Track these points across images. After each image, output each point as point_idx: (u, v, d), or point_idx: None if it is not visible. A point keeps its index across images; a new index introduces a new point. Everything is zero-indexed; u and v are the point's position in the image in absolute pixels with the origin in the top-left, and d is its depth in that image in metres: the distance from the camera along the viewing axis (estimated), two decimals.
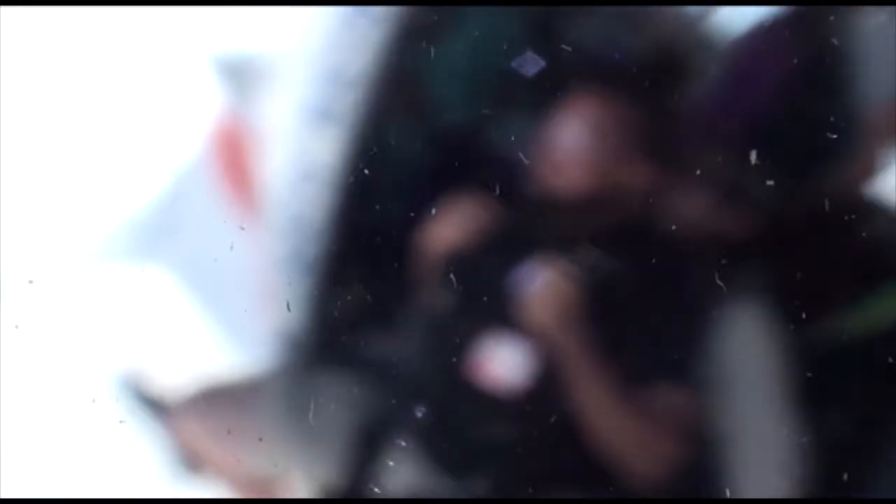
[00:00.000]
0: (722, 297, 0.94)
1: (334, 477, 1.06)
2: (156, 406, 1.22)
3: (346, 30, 1.02)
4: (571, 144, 1.04)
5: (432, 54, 1.44)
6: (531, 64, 1.13)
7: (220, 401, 1.14)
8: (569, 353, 0.94)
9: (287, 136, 1.09)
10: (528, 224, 1.04)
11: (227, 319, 1.56)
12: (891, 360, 0.87)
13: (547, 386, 0.96)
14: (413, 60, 1.38)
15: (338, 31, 1.02)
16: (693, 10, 1.87)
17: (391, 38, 1.03)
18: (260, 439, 1.06)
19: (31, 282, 1.54)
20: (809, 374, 0.91)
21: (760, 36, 1.29)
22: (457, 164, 1.48)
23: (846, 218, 1.22)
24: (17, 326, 1.18)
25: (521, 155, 1.44)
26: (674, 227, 0.98)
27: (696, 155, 1.02)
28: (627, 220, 1.01)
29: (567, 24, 1.37)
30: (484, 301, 0.99)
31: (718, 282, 0.95)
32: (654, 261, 0.95)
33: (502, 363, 0.97)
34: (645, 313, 0.94)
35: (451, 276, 1.01)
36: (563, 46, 1.35)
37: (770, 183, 1.33)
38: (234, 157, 1.54)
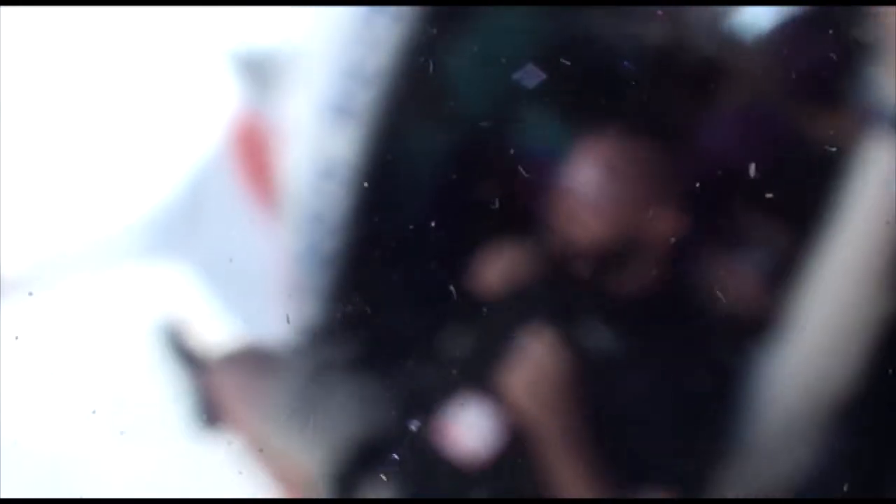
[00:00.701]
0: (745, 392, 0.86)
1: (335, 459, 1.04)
2: (191, 358, 1.23)
3: (365, 27, 1.02)
4: (588, 189, 0.95)
5: (450, 54, 1.44)
6: (532, 76, 1.10)
7: (253, 362, 1.14)
8: (544, 436, 0.86)
9: (306, 133, 1.09)
10: (537, 280, 0.97)
11: (245, 314, 1.56)
12: None
13: (514, 463, 0.88)
14: (432, 59, 1.38)
15: (356, 28, 1.02)
16: (707, 12, 1.85)
17: (410, 36, 1.02)
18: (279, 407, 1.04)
19: (30, 293, 1.55)
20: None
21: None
22: (472, 166, 1.48)
23: None
24: (16, 337, 1.18)
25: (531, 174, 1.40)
26: (702, 296, 0.90)
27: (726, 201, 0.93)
28: (647, 284, 0.92)
29: (582, 28, 1.35)
30: (468, 359, 0.92)
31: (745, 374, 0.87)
32: (671, 342, 0.87)
33: (470, 430, 0.90)
34: (648, 404, 0.85)
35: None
36: (564, 61, 1.31)
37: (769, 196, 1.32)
38: (253, 153, 1.54)
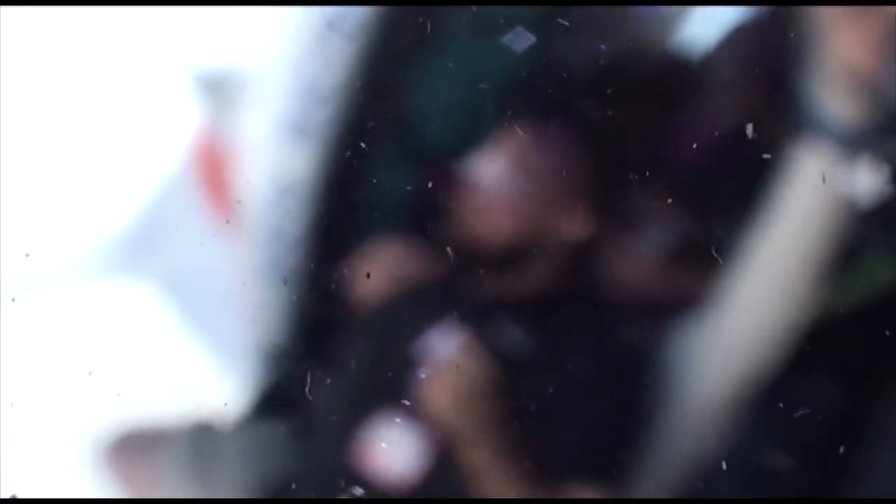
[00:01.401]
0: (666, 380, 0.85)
1: None
2: None
3: (322, 44, 1.02)
4: (495, 184, 0.92)
5: (411, 71, 1.45)
6: (522, 40, 1.08)
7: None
8: (468, 445, 0.81)
9: (264, 150, 1.10)
10: (442, 279, 0.92)
11: (207, 332, 1.56)
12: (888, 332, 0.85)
13: (442, 479, 0.84)
14: (391, 76, 1.39)
15: (313, 45, 1.03)
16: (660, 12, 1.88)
17: (367, 54, 1.03)
18: None
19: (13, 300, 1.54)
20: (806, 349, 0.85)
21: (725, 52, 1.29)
22: (433, 182, 1.48)
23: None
24: None
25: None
26: (614, 290, 0.87)
27: (647, 200, 0.89)
28: (558, 279, 0.88)
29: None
30: (379, 371, 0.88)
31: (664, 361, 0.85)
32: (586, 333, 0.84)
33: (391, 449, 0.85)
34: (571, 398, 0.82)
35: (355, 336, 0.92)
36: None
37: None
38: (212, 171, 1.55)
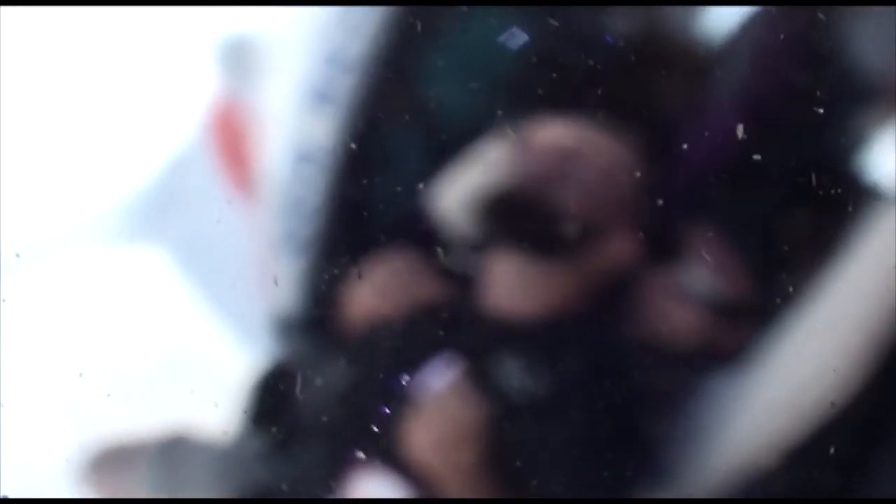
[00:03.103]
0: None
1: None
2: None
3: (345, 12, 1.02)
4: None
5: (431, 45, 1.44)
6: (516, 38, 1.06)
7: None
8: (449, 491, 0.76)
9: (284, 118, 1.09)
10: (449, 302, 0.84)
11: (222, 300, 1.56)
12: None
13: None
14: (411, 48, 1.38)
15: (336, 12, 1.02)
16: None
17: (390, 23, 1.02)
18: None
19: (18, 255, 1.53)
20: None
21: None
22: (450, 152, 1.47)
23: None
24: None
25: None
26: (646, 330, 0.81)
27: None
28: (584, 315, 0.82)
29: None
30: (361, 407, 0.81)
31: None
32: (600, 375, 0.78)
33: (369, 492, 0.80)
34: (574, 449, 0.77)
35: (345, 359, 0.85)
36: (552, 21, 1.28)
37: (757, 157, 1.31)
38: (230, 139, 1.54)
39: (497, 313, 0.81)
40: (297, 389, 1.07)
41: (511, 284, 0.83)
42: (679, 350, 0.84)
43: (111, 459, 1.09)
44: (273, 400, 1.12)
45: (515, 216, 0.81)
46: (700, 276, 0.84)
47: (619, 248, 0.81)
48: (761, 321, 0.83)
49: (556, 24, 1.29)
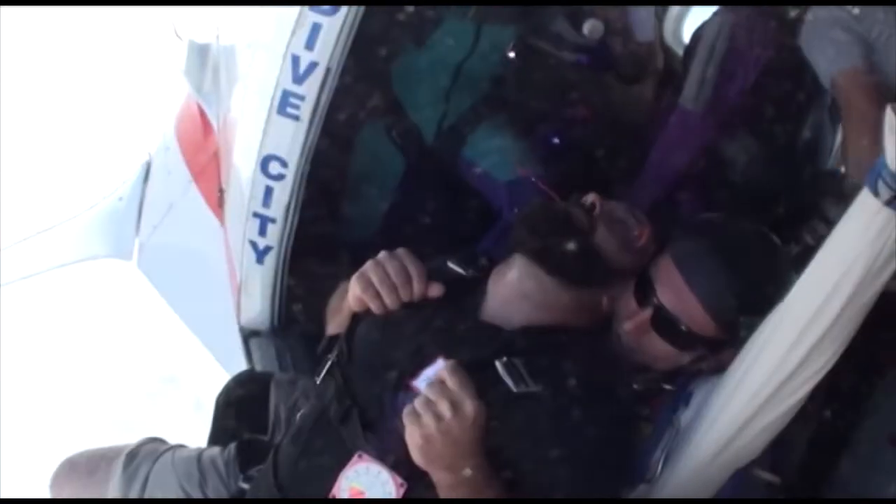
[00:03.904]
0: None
1: None
2: None
3: (312, 21, 1.01)
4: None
5: (400, 53, 1.44)
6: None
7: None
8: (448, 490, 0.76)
9: (252, 123, 1.08)
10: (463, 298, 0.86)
11: (192, 307, 1.55)
12: None
13: None
14: (380, 56, 1.38)
15: (305, 21, 1.01)
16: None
17: (361, 33, 1.01)
18: None
19: None
20: None
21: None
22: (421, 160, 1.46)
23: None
24: None
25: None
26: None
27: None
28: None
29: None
30: (362, 400, 0.81)
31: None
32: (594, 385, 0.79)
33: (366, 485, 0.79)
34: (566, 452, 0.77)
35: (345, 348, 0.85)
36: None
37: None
38: (198, 147, 1.53)
39: (494, 320, 0.83)
40: (274, 398, 1.05)
41: (515, 292, 0.86)
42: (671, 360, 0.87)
43: (82, 466, 1.08)
44: (247, 410, 1.11)
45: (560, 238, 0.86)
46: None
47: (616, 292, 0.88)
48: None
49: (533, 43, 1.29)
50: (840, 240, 0.77)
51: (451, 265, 0.91)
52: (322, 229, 1.21)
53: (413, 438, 0.75)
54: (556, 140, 1.46)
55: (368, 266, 0.87)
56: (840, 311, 0.77)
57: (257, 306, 1.18)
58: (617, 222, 0.87)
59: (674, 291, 0.84)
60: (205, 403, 1.10)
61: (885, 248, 0.73)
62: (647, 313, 0.84)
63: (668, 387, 0.87)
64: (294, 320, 1.14)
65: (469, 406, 0.74)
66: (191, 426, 1.12)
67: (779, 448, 0.85)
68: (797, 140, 1.39)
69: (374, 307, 0.86)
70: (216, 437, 1.06)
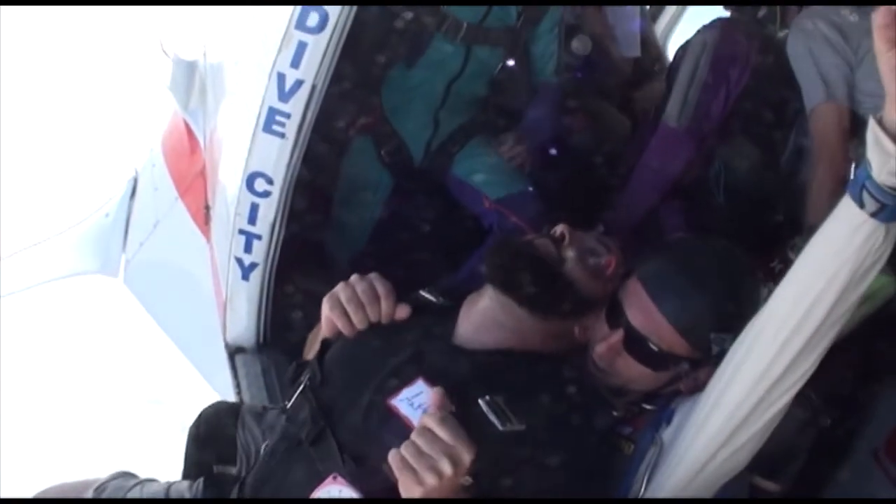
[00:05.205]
0: None
1: None
2: None
3: (300, 39, 1.01)
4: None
5: (390, 72, 1.44)
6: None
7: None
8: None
9: (238, 141, 1.09)
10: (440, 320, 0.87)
11: (177, 323, 1.54)
12: None
13: None
14: (371, 75, 1.39)
15: (291, 39, 1.02)
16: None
17: (351, 53, 1.02)
18: None
19: None
20: None
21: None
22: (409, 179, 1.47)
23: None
24: None
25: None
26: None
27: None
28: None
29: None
30: (345, 417, 0.81)
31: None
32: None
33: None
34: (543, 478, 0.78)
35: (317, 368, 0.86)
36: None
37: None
38: (184, 161, 1.53)
39: (468, 344, 0.83)
40: (241, 430, 1.05)
41: (488, 320, 0.85)
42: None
43: (52, 500, 1.07)
44: (216, 443, 1.10)
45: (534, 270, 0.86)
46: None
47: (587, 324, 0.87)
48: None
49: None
50: (822, 249, 0.77)
51: (423, 294, 0.91)
52: (309, 244, 1.22)
53: (411, 492, 0.73)
54: (553, 151, 1.48)
55: (338, 287, 0.87)
56: (823, 319, 0.77)
57: (243, 322, 1.18)
58: (586, 252, 0.87)
59: (642, 312, 0.84)
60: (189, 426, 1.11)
61: (869, 256, 0.74)
62: (619, 335, 0.84)
63: (649, 407, 0.87)
64: (281, 336, 1.14)
65: (467, 457, 0.73)
66: (175, 448, 1.11)
67: (778, 456, 0.86)
68: (780, 156, 1.40)
69: (342, 326, 0.86)
70: (188, 469, 1.06)
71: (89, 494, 1.01)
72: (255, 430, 0.98)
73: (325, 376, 0.85)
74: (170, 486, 1.01)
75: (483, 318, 0.86)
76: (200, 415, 1.06)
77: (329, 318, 0.87)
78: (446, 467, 0.74)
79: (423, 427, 0.74)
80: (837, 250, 0.75)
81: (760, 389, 0.80)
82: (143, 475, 1.04)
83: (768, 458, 0.85)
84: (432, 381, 0.79)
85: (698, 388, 0.84)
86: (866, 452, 1.12)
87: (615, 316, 0.85)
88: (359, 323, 0.85)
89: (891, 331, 0.93)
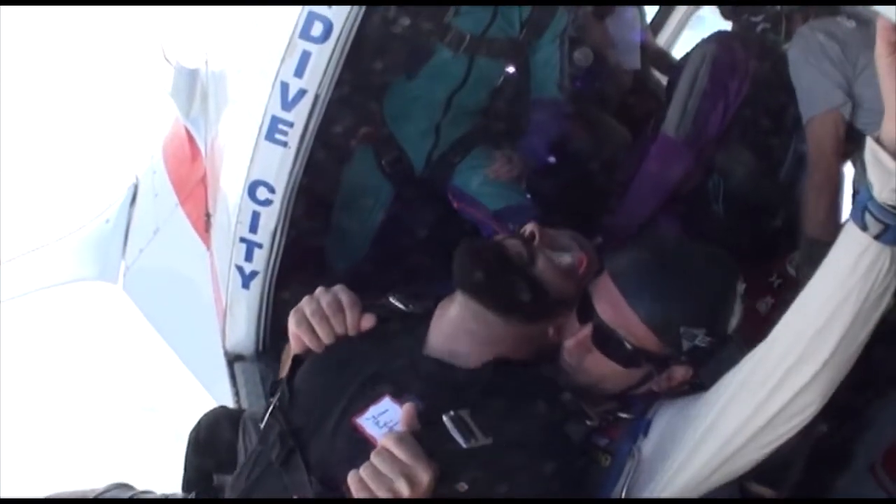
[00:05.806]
0: None
1: None
2: None
3: (304, 48, 1.01)
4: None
5: (392, 83, 1.45)
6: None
7: None
8: None
9: (240, 149, 1.09)
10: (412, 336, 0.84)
11: (177, 331, 1.54)
12: None
13: None
14: (372, 86, 1.39)
15: (294, 48, 1.02)
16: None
17: (351, 57, 1.02)
18: None
19: None
20: None
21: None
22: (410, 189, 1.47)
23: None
24: None
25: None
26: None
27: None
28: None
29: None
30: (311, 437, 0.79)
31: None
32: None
33: None
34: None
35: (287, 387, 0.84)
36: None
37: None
38: (185, 168, 1.53)
39: (439, 355, 0.82)
40: (242, 437, 1.04)
41: (459, 329, 0.83)
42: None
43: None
44: (216, 450, 1.09)
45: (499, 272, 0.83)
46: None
47: (560, 324, 0.84)
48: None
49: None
50: (828, 277, 0.74)
51: (392, 301, 0.89)
52: (309, 252, 1.22)
53: None
54: (552, 159, 1.49)
55: (303, 301, 0.85)
56: (832, 352, 0.74)
57: (242, 330, 1.18)
58: (557, 250, 0.85)
59: (611, 305, 0.82)
60: (185, 434, 1.10)
61: (877, 283, 0.72)
62: (588, 330, 0.82)
63: (624, 416, 0.84)
64: (280, 344, 1.14)
65: (424, 477, 0.72)
66: (171, 456, 1.11)
67: (775, 463, 0.84)
68: (780, 166, 1.41)
69: (309, 341, 0.84)
70: (188, 476, 1.06)
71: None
72: (256, 438, 0.98)
73: (295, 395, 0.83)
74: (166, 499, 1.00)
75: (454, 328, 0.84)
76: (200, 421, 1.05)
77: (296, 334, 0.84)
78: (403, 488, 0.73)
79: (381, 447, 0.72)
80: (842, 280, 0.73)
81: (754, 425, 0.78)
82: (136, 483, 1.04)
83: (764, 465, 0.82)
84: (398, 397, 0.77)
85: (672, 388, 0.83)
86: (863, 465, 1.12)
87: (585, 311, 0.83)
88: (325, 337, 0.83)
89: (889, 340, 0.93)
